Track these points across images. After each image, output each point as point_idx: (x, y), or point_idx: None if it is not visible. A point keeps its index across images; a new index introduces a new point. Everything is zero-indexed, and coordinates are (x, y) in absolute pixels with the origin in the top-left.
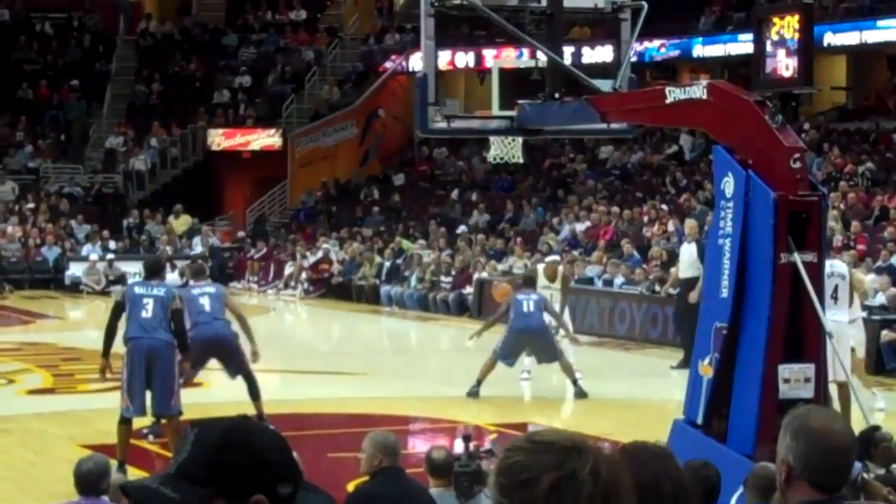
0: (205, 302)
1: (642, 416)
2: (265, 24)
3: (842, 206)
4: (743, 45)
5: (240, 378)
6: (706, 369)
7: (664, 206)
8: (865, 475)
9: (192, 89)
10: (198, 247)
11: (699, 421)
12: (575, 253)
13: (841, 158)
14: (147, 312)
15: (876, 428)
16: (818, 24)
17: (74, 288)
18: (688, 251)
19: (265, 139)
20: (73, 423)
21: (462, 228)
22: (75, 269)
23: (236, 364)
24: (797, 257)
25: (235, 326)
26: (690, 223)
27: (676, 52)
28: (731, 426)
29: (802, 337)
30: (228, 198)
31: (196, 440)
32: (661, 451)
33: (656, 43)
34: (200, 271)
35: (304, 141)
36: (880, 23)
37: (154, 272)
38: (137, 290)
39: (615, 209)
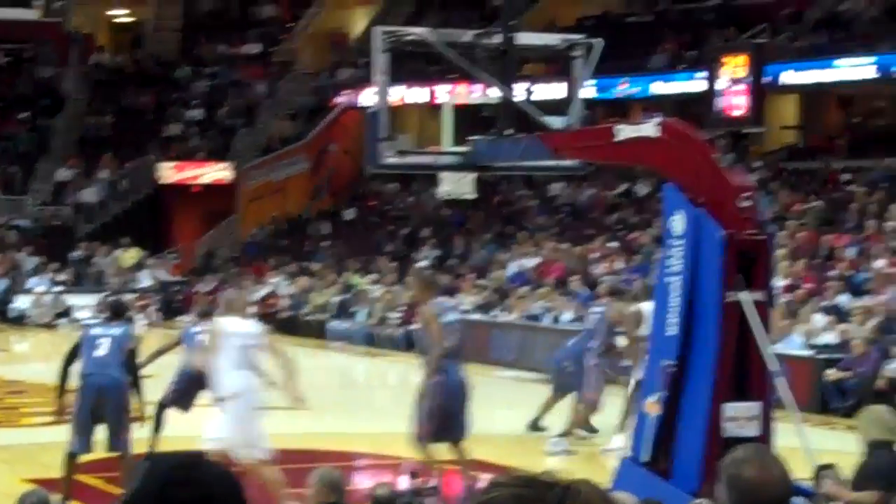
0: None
1: (589, 455)
2: (218, 58)
3: (789, 244)
4: (695, 83)
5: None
6: (652, 407)
7: (613, 244)
8: None
9: (143, 122)
10: (145, 280)
11: (645, 458)
12: (524, 289)
13: (790, 198)
14: (102, 350)
15: (826, 466)
16: (770, 63)
17: (20, 321)
18: None
19: (216, 173)
20: (16, 457)
21: (424, 262)
22: (22, 302)
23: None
24: (745, 296)
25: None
26: None
27: (631, 90)
28: (676, 463)
29: (749, 375)
30: (178, 231)
31: (145, 474)
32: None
33: (611, 81)
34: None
35: (254, 175)
36: (832, 62)
37: (119, 314)
38: (94, 330)
39: (564, 246)
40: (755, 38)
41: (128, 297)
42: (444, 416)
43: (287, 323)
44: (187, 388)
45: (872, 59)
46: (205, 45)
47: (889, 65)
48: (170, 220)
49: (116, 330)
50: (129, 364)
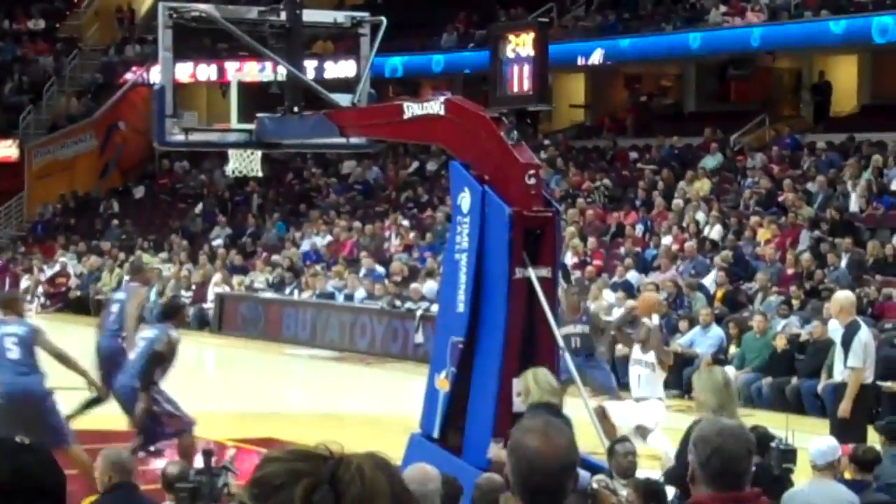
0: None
1: (382, 431)
2: (1, 33)
3: (579, 222)
4: (482, 61)
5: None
6: (442, 383)
7: (405, 222)
8: (595, 485)
9: None
10: None
11: (435, 434)
12: (317, 267)
13: (578, 176)
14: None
15: (620, 440)
16: (556, 42)
17: None
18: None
19: (1, 150)
20: None
21: (217, 242)
22: None
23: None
24: (531, 272)
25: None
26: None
27: (420, 67)
28: (466, 439)
29: (537, 350)
30: None
31: None
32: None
33: (399, 59)
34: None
35: (41, 152)
36: (623, 41)
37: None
38: None
39: (357, 224)
40: (541, 18)
41: None
42: None
43: (78, 302)
44: None
45: (658, 38)
46: None
47: (674, 44)
48: None
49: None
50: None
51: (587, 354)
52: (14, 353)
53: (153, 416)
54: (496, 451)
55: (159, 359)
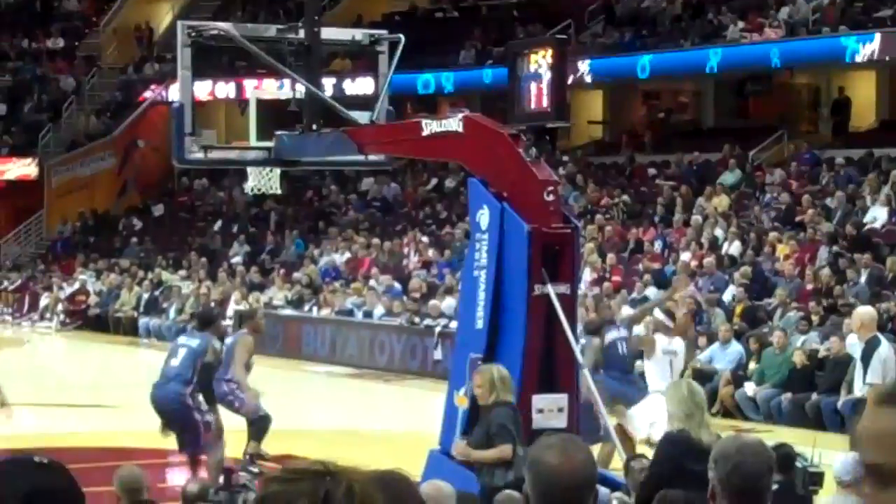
0: None
1: (401, 448)
2: (21, 52)
3: (598, 238)
4: (500, 78)
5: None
6: (461, 399)
7: (424, 239)
8: (615, 502)
9: None
10: None
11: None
12: (336, 284)
13: (597, 192)
14: None
15: (636, 456)
16: (575, 58)
17: None
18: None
19: (21, 169)
20: None
21: (236, 259)
22: None
23: None
24: (550, 289)
25: None
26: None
27: (437, 84)
28: None
29: (556, 367)
30: None
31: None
32: (405, 477)
33: (418, 76)
34: None
35: (61, 171)
36: (640, 58)
37: None
38: None
39: (375, 241)
40: (560, 34)
41: None
42: None
43: (97, 320)
44: None
45: (675, 55)
46: (7, 39)
47: (691, 61)
48: None
49: None
50: None
51: (623, 369)
52: None
53: (206, 425)
54: (461, 447)
55: (208, 369)
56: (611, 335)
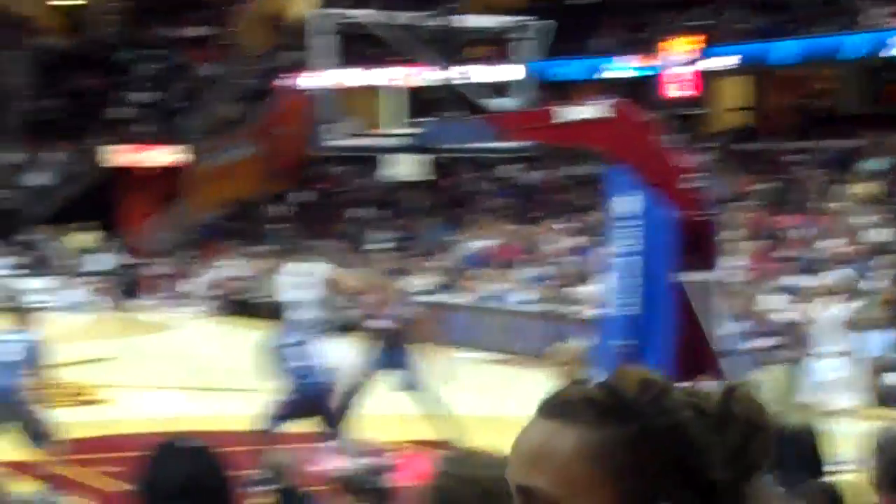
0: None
1: None
2: (162, 41)
3: (741, 226)
4: (639, 66)
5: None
6: None
7: (564, 225)
8: None
9: (89, 105)
10: (98, 264)
11: None
12: (477, 270)
13: (740, 179)
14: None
15: None
16: (714, 45)
17: None
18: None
19: (167, 156)
20: None
21: (378, 246)
22: None
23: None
24: (693, 276)
25: None
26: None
27: (576, 72)
28: None
29: (701, 355)
30: (129, 214)
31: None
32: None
33: (558, 62)
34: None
35: (203, 159)
36: (779, 45)
37: None
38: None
39: (516, 227)
40: (699, 21)
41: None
42: None
43: (244, 305)
44: None
45: (815, 40)
46: (149, 28)
47: (831, 46)
48: (122, 203)
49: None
50: None
51: None
52: None
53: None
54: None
55: None
56: None
